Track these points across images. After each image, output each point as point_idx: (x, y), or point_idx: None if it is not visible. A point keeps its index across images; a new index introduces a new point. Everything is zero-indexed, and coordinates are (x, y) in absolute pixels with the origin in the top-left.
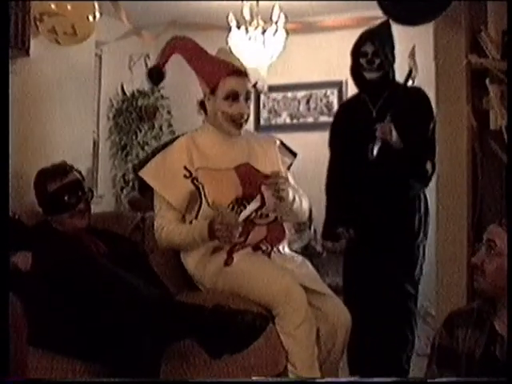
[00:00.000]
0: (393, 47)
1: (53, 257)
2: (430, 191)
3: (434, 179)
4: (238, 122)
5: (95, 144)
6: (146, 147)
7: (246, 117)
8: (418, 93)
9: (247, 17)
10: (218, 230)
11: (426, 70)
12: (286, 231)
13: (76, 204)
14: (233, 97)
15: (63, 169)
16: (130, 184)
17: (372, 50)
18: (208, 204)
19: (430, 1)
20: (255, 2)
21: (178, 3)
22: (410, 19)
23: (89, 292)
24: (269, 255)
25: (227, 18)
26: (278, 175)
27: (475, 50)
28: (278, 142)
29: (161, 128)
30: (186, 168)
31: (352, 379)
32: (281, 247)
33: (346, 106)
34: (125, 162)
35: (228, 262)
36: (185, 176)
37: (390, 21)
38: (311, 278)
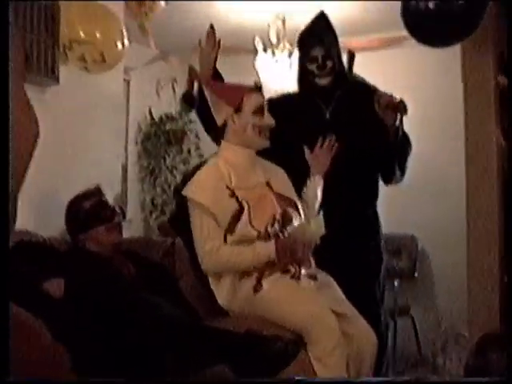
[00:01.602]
0: (336, 39)
1: (84, 282)
2: (459, 210)
3: (463, 198)
4: (266, 133)
5: (124, 168)
6: (174, 171)
7: (270, 128)
8: (368, 87)
9: (274, 40)
10: (293, 252)
11: (455, 90)
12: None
13: (112, 217)
14: (260, 110)
15: (98, 190)
16: (159, 208)
17: (322, 54)
18: (250, 222)
19: (458, 23)
20: (282, 25)
21: (205, 27)
22: (438, 41)
23: (117, 315)
24: (298, 278)
25: (254, 41)
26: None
27: (503, 71)
28: None
29: (189, 152)
30: (228, 187)
31: (352, 379)
32: (308, 268)
33: (294, 108)
34: (153, 186)
35: (257, 289)
36: (229, 195)
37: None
38: (339, 301)
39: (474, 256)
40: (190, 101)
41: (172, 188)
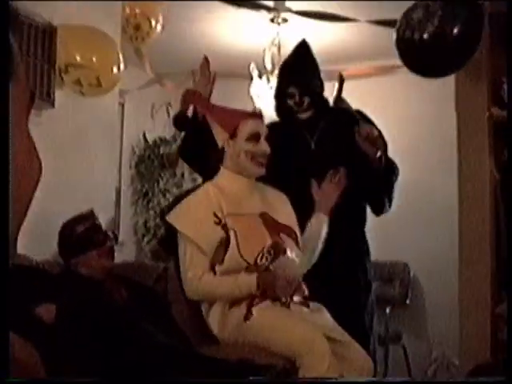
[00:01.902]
0: (316, 70)
1: (76, 306)
2: (451, 239)
3: (455, 226)
4: (261, 161)
5: (117, 191)
6: (167, 195)
7: (267, 156)
8: (353, 116)
9: (269, 66)
10: (278, 286)
11: (448, 119)
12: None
13: (104, 241)
14: (254, 137)
15: (91, 214)
16: (152, 232)
17: (299, 92)
18: (239, 251)
19: (452, 54)
20: (277, 51)
21: (200, 52)
22: (431, 72)
23: (109, 340)
24: (288, 306)
25: (249, 67)
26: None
27: (497, 101)
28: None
29: (182, 175)
30: (215, 214)
31: (352, 379)
32: (298, 296)
33: (280, 138)
34: (146, 209)
35: (247, 317)
36: (215, 222)
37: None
38: (331, 327)
39: (466, 284)
40: (182, 122)
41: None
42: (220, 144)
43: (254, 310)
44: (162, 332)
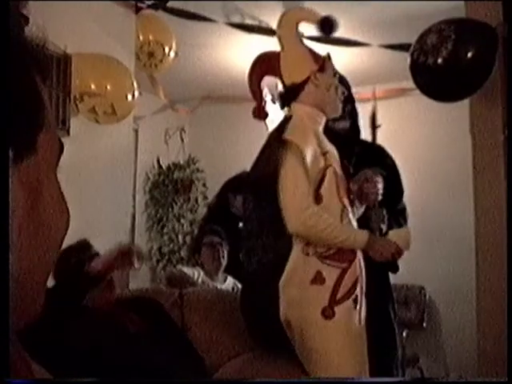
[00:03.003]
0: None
1: (87, 339)
2: (468, 262)
3: (472, 250)
4: (343, 100)
5: (132, 217)
6: (181, 220)
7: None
8: (384, 152)
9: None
10: (385, 253)
11: (463, 143)
12: None
13: (99, 275)
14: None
15: (82, 245)
16: (166, 257)
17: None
18: (337, 191)
19: (466, 79)
20: None
21: (213, 77)
22: (446, 96)
23: (121, 371)
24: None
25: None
26: None
27: None
28: None
29: (196, 201)
30: (318, 144)
31: (352, 379)
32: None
33: None
34: (161, 234)
35: (327, 315)
36: (322, 153)
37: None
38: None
39: (484, 307)
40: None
41: (179, 237)
42: (301, 78)
43: (337, 309)
44: (178, 357)
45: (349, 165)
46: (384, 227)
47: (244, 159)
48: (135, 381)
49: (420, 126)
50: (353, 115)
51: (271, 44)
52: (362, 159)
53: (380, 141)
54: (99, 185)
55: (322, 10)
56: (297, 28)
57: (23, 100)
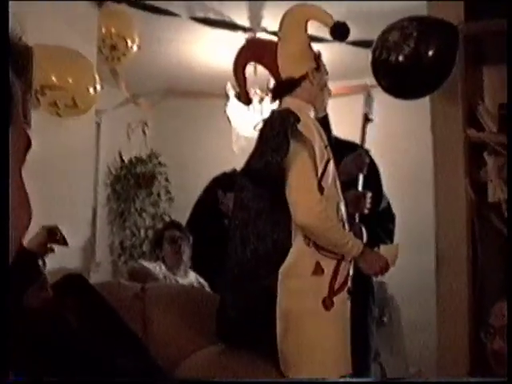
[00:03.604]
0: None
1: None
2: (428, 258)
3: (432, 246)
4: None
5: (93, 211)
6: (143, 214)
7: None
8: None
9: None
10: (374, 268)
11: (423, 141)
12: None
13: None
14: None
15: None
16: (128, 251)
17: None
18: (334, 183)
19: (426, 76)
20: (253, 71)
21: (176, 71)
22: (406, 93)
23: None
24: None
25: (225, 86)
26: None
27: (472, 123)
28: None
29: (158, 195)
30: (320, 135)
31: (352, 379)
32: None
33: None
34: (123, 228)
35: (327, 305)
36: (324, 145)
37: None
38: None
39: (444, 303)
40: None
41: (141, 231)
42: (299, 73)
43: (335, 299)
44: (121, 347)
45: None
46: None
47: (206, 154)
48: (135, 381)
49: (380, 124)
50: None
51: (235, 39)
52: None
53: (346, 134)
54: (60, 178)
55: (286, 6)
56: (306, 24)
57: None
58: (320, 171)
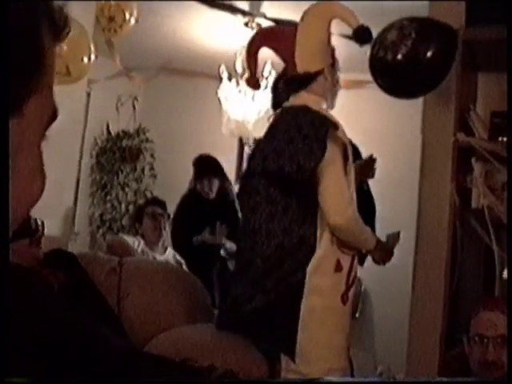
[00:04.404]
0: None
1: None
2: (406, 257)
3: (412, 246)
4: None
5: (76, 181)
6: (126, 188)
7: None
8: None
9: (239, 70)
10: (385, 257)
11: (413, 142)
12: None
13: (36, 230)
14: None
15: None
16: (107, 224)
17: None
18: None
19: (422, 77)
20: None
21: (171, 49)
22: (400, 93)
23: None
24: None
25: (219, 68)
26: None
27: (463, 128)
28: None
29: (143, 171)
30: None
31: (352, 379)
32: None
33: None
34: (104, 201)
35: (344, 300)
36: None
37: None
38: None
39: (417, 302)
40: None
41: (122, 205)
42: (316, 68)
43: (349, 295)
44: (99, 321)
45: None
46: None
47: (194, 134)
48: (135, 380)
49: (372, 120)
50: None
51: (233, 22)
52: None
53: None
54: (46, 145)
55: None
56: (330, 22)
57: (20, 58)
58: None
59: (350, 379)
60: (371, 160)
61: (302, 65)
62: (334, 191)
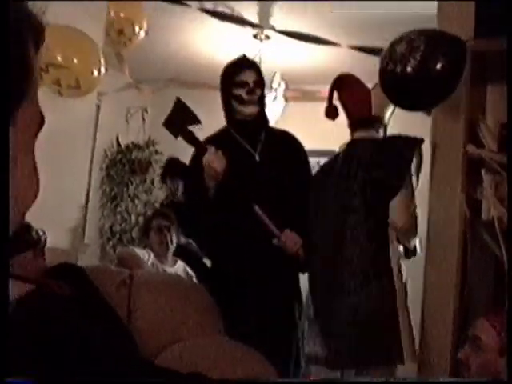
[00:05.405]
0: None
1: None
2: (417, 277)
3: (422, 264)
4: None
5: (86, 193)
6: (136, 200)
7: None
8: (294, 140)
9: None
10: None
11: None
12: None
13: (38, 241)
14: None
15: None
16: (117, 236)
17: (253, 79)
18: None
19: (431, 89)
20: None
21: (180, 61)
22: (410, 105)
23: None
24: None
25: None
26: None
27: (473, 139)
28: None
29: (152, 182)
30: None
31: (352, 379)
32: None
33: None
34: (114, 213)
35: None
36: None
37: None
38: None
39: (428, 311)
40: None
41: (132, 217)
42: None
43: None
44: (106, 332)
45: (254, 152)
46: None
47: None
48: (135, 380)
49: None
50: (261, 102)
51: (242, 34)
52: (269, 146)
53: (339, 141)
54: (56, 157)
55: (295, 5)
56: None
57: (10, 68)
58: None
59: (350, 380)
60: None
61: (375, 109)
62: (405, 194)
